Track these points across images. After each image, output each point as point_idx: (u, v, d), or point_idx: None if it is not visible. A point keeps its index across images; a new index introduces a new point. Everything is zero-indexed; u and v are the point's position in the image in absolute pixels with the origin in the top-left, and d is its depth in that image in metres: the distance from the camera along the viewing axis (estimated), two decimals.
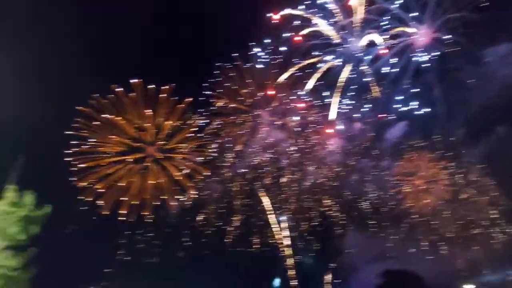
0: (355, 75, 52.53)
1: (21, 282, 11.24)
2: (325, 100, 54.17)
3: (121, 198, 63.76)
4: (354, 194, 53.44)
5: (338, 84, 52.15)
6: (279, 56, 54.52)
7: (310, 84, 53.96)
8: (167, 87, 62.83)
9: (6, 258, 10.92)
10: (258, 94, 56.59)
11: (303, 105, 54.37)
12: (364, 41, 50.20)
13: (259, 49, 54.82)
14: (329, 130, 53.99)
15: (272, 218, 60.28)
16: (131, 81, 61.84)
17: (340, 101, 53.24)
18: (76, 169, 59.63)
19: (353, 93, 52.71)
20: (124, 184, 65.52)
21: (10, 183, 11.80)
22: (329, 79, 54.01)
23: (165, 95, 64.02)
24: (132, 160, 66.63)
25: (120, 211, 63.94)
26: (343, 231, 55.60)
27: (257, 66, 55.12)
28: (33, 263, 11.68)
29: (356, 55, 52.05)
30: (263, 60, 55.89)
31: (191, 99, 60.64)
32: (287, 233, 59.23)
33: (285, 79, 54.28)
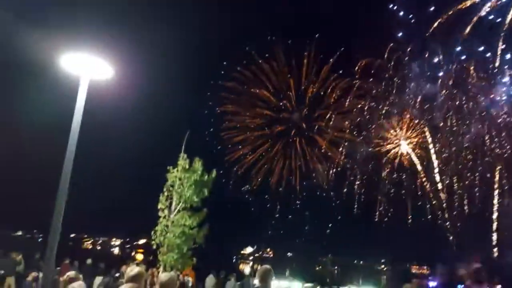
0: None
1: (198, 238, 12.69)
2: (485, 49, 47.69)
3: (269, 179, 67.28)
4: None
5: (503, 28, 44.94)
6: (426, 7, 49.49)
7: (466, 31, 47.74)
8: (309, 41, 62.07)
9: (184, 218, 12.39)
10: (405, 47, 52.36)
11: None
12: None
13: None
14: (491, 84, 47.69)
15: (426, 182, 56.49)
16: (269, 38, 63.11)
17: (505, 48, 46.04)
18: (222, 144, 64.67)
19: None
20: (267, 165, 68.59)
21: (180, 152, 13.25)
22: (489, 24, 47.07)
23: (308, 53, 63.82)
24: (275, 133, 69.14)
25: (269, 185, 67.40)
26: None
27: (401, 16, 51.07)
28: (205, 222, 13.06)
29: None
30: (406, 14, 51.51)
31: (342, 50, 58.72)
32: (443, 196, 54.92)
33: (435, 29, 49.12)
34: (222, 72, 67.48)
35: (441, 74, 49.68)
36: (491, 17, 45.73)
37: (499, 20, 45.32)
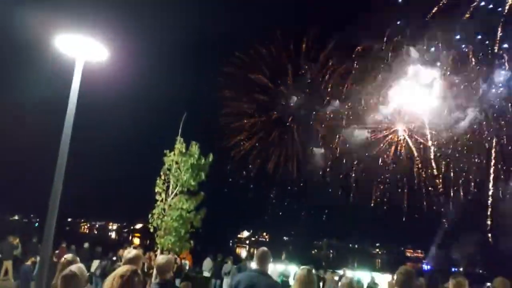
0: None
1: (195, 222, 12.72)
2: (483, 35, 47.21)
3: (267, 165, 67.34)
4: None
5: (502, 14, 44.60)
6: None
7: (465, 17, 47.23)
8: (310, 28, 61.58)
9: (181, 201, 12.40)
10: (406, 30, 51.83)
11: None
12: None
13: None
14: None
15: (422, 168, 56.70)
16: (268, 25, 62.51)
17: (504, 35, 45.69)
18: (219, 129, 64.58)
19: None
20: (264, 151, 68.61)
21: (177, 136, 13.18)
22: (488, 10, 46.51)
23: (306, 38, 63.36)
24: (273, 119, 68.95)
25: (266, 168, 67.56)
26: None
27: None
28: (202, 206, 13.08)
29: None
30: None
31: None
32: (439, 182, 55.17)
33: (434, 14, 48.66)
34: (220, 57, 67.01)
35: (439, 59, 49.48)
36: (490, 5, 45.39)
37: (498, 6, 44.99)
